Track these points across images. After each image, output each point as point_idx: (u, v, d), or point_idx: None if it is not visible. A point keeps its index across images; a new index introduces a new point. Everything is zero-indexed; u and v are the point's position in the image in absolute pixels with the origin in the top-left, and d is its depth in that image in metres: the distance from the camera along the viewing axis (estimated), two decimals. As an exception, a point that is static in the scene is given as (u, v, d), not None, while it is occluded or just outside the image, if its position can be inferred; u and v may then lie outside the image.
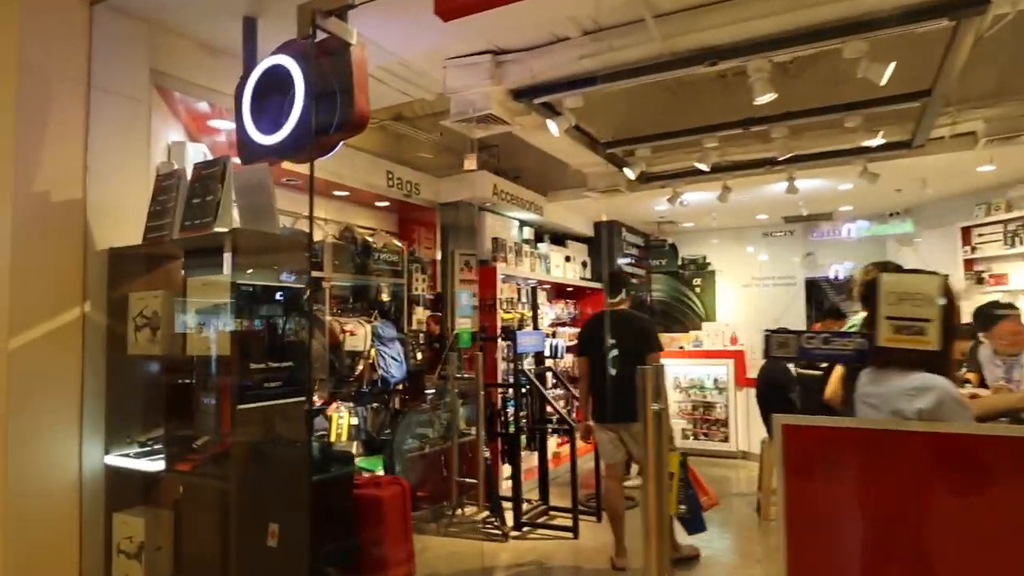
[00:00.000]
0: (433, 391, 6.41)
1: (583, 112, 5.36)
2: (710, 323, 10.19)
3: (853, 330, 3.73)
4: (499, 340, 6.92)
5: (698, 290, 11.09)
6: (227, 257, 2.97)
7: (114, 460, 3.14)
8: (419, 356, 6.62)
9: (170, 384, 3.19)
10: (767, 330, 2.09)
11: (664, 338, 5.35)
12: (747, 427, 8.46)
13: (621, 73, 4.52)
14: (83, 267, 3.12)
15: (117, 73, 3.32)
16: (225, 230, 2.86)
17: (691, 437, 8.83)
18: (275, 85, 3.04)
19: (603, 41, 4.32)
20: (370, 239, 6.33)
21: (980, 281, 8.32)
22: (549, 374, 7.34)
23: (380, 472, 5.38)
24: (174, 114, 3.93)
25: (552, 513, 6.11)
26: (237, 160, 3.15)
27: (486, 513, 5.86)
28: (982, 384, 4.66)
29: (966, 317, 4.67)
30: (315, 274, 5.39)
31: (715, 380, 8.84)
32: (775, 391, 6.05)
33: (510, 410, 6.58)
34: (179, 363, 3.09)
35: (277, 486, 2.84)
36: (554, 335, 8.32)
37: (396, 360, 5.98)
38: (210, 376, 2.98)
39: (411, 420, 6.00)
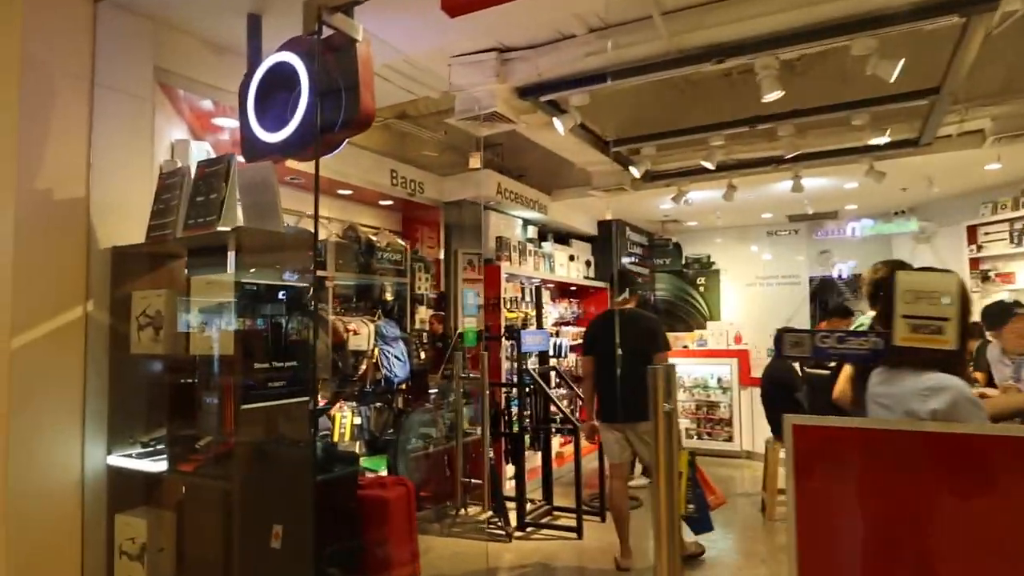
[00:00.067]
0: (436, 391, 6.39)
1: (588, 110, 5.34)
2: (714, 322, 10.17)
3: (861, 329, 3.71)
4: (503, 339, 6.89)
5: (702, 289, 11.05)
6: (231, 256, 2.94)
7: (116, 460, 3.12)
8: (422, 355, 6.60)
9: (173, 384, 3.16)
10: (779, 329, 2.05)
11: (669, 337, 5.31)
12: (751, 427, 8.44)
13: (627, 71, 4.49)
14: (86, 266, 3.10)
15: (121, 70, 3.29)
16: (229, 229, 2.83)
17: (695, 437, 8.81)
18: (280, 82, 3.01)
19: (609, 39, 4.29)
20: (374, 238, 6.31)
21: (986, 279, 8.28)
22: (553, 373, 7.31)
23: (384, 472, 5.36)
24: (178, 112, 3.91)
25: (556, 513, 6.08)
26: (241, 158, 3.13)
27: (490, 513, 5.83)
28: (990, 383, 4.63)
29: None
30: (319, 273, 5.37)
31: (719, 379, 8.81)
32: (780, 391, 6.03)
33: (514, 410, 6.55)
34: (182, 363, 3.07)
35: (281, 487, 2.82)
36: (558, 334, 8.30)
37: (400, 360, 5.96)
38: (213, 376, 2.96)
39: (414, 420, 5.97)
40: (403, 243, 6.57)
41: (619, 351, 4.88)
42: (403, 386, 6.16)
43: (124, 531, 3.06)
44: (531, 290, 8.00)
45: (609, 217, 9.54)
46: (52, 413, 2.94)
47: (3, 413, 2.77)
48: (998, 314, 4.67)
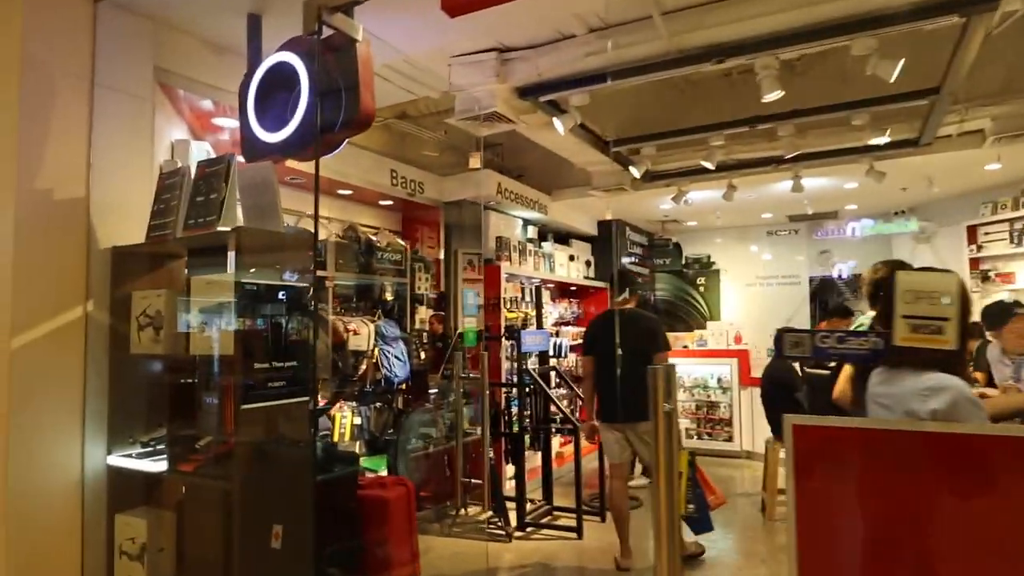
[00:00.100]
0: (436, 391, 6.38)
1: (588, 110, 5.33)
2: (714, 322, 10.17)
3: (861, 329, 3.71)
4: (503, 339, 6.89)
5: (702, 289, 11.05)
6: (231, 256, 2.94)
7: (116, 460, 3.11)
8: (422, 355, 6.59)
9: (173, 384, 3.16)
10: (779, 329, 2.05)
11: (669, 337, 5.31)
12: (751, 427, 8.44)
13: (627, 71, 4.49)
14: (86, 266, 3.10)
15: (121, 70, 3.29)
16: (229, 229, 2.83)
17: (695, 437, 8.80)
18: (280, 82, 3.01)
19: (609, 38, 4.29)
20: (374, 238, 6.31)
21: (986, 279, 8.28)
22: (553, 373, 7.31)
23: (384, 472, 5.36)
24: (178, 112, 3.90)
25: (556, 513, 6.08)
26: (241, 158, 3.13)
27: (490, 513, 5.83)
28: (990, 383, 4.63)
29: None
30: (319, 273, 5.37)
31: (719, 379, 8.81)
32: (780, 391, 6.03)
33: (514, 410, 6.55)
34: (182, 363, 3.07)
35: (281, 487, 2.82)
36: (557, 334, 8.30)
37: (400, 359, 5.96)
38: (213, 376, 2.96)
39: (414, 420, 5.97)
40: (403, 243, 6.56)
41: (619, 351, 4.87)
42: (403, 386, 6.16)
43: (124, 531, 3.06)
44: (531, 290, 8.00)
45: (609, 217, 9.54)
46: (52, 413, 2.94)
47: (3, 413, 2.77)
48: (998, 314, 4.67)
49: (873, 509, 1.93)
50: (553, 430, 6.54)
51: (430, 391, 6.37)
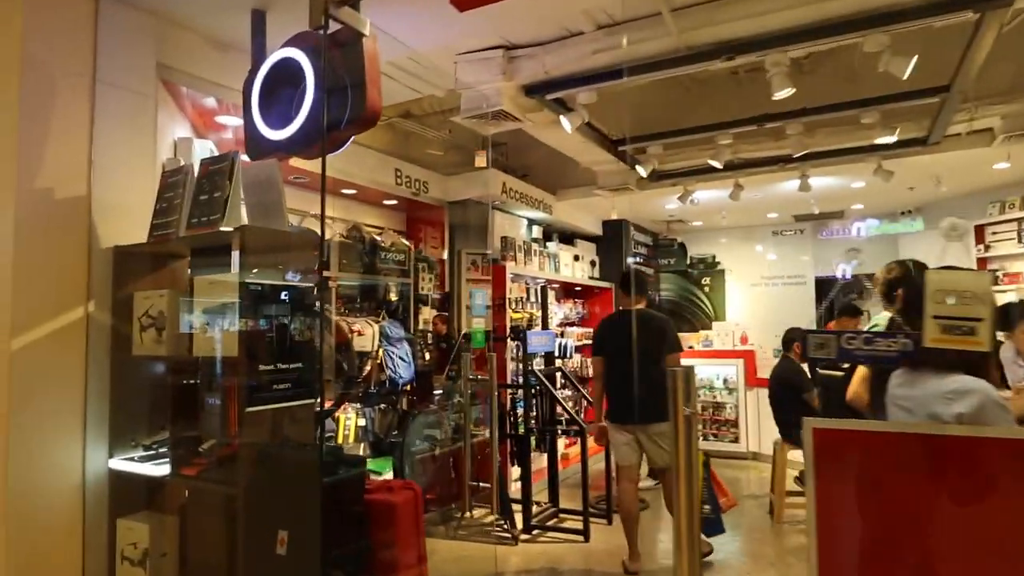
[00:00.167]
0: (441, 392, 6.33)
1: (595, 109, 5.28)
2: (720, 323, 10.11)
3: (876, 330, 3.65)
4: (508, 340, 6.83)
5: (707, 289, 10.98)
6: (235, 255, 2.89)
7: (118, 464, 3.07)
8: (427, 356, 6.54)
9: (176, 386, 3.12)
10: (804, 330, 2.00)
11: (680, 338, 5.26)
12: (757, 428, 8.38)
13: (635, 68, 4.43)
14: (87, 265, 3.06)
15: (123, 67, 3.25)
16: (233, 228, 2.79)
17: (701, 438, 8.75)
18: (285, 79, 2.97)
19: (617, 36, 4.23)
20: (378, 238, 6.25)
21: (995, 280, 8.21)
22: (559, 374, 7.25)
23: (389, 475, 5.30)
24: (181, 109, 3.86)
25: (562, 516, 6.02)
26: (245, 156, 3.08)
27: (496, 516, 5.78)
28: (1002, 384, 4.57)
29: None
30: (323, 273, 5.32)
31: (725, 380, 8.76)
32: (788, 392, 5.98)
33: (519, 411, 6.49)
34: (185, 364, 3.03)
35: (286, 491, 2.77)
36: (563, 335, 8.24)
37: (404, 360, 5.90)
38: (216, 378, 2.92)
39: (420, 421, 5.92)
40: (407, 243, 6.51)
41: (630, 352, 4.82)
42: (407, 387, 6.10)
43: (126, 536, 3.01)
44: (536, 290, 7.94)
45: (615, 216, 9.48)
46: (53, 415, 2.90)
47: (3, 413, 2.73)
48: (1012, 315, 4.61)
49: (895, 514, 1.88)
50: (559, 431, 6.49)
51: (435, 392, 6.32)
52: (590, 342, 6.50)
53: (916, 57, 4.16)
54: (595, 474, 6.04)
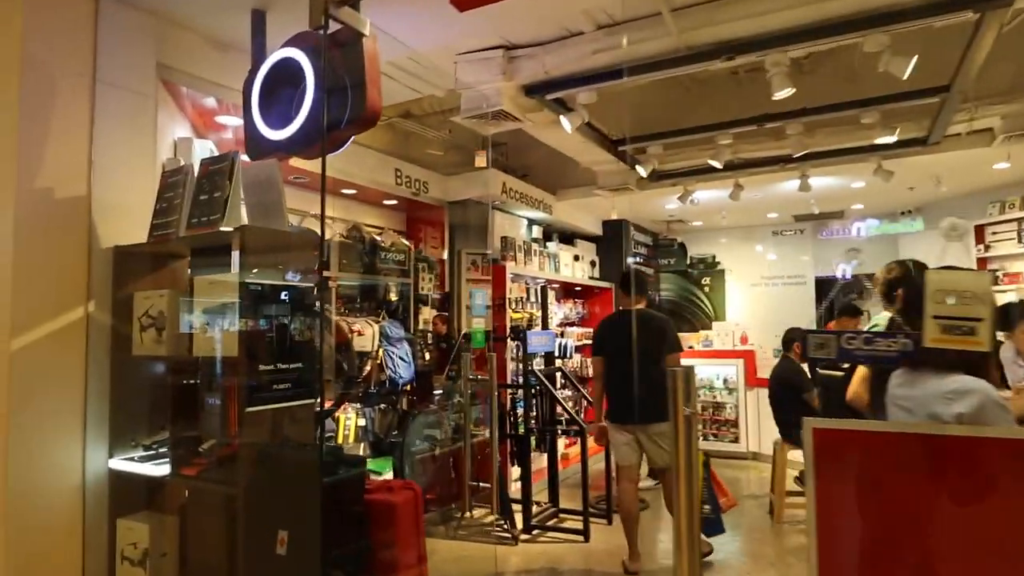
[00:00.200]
0: (441, 392, 6.33)
1: (595, 109, 5.28)
2: (719, 323, 10.11)
3: (876, 330, 3.65)
4: (508, 340, 6.83)
5: (707, 289, 10.98)
6: (235, 255, 2.89)
7: (118, 464, 3.07)
8: (427, 356, 6.54)
9: (176, 386, 3.11)
10: (804, 330, 2.00)
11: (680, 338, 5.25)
12: (758, 428, 8.38)
13: (635, 68, 4.43)
14: (87, 265, 3.06)
15: (123, 67, 3.25)
16: (233, 228, 2.78)
17: (701, 438, 8.73)
18: (285, 79, 2.96)
19: (617, 36, 4.23)
20: (378, 238, 6.25)
21: (995, 280, 8.21)
22: (559, 374, 7.25)
23: (389, 475, 5.30)
24: (180, 109, 3.86)
25: (562, 516, 6.02)
26: (245, 156, 3.08)
27: (496, 516, 5.78)
28: (1002, 384, 4.57)
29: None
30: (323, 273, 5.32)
31: (725, 380, 8.76)
32: (788, 392, 5.98)
33: (519, 411, 6.49)
34: (185, 364, 3.02)
35: (287, 491, 2.77)
36: (562, 335, 8.25)
37: (404, 360, 5.90)
38: (216, 378, 2.92)
39: (420, 421, 5.92)
40: (407, 243, 6.51)
41: (630, 352, 4.81)
42: (407, 387, 6.10)
43: (126, 536, 3.01)
44: (536, 290, 7.94)
45: (615, 216, 9.48)
46: (53, 415, 2.90)
47: (3, 414, 2.73)
48: (1012, 315, 4.61)
49: (895, 514, 1.88)
50: (559, 431, 6.48)
51: (435, 392, 6.32)
52: (590, 342, 6.50)
53: (916, 57, 4.16)
54: (595, 474, 6.04)
